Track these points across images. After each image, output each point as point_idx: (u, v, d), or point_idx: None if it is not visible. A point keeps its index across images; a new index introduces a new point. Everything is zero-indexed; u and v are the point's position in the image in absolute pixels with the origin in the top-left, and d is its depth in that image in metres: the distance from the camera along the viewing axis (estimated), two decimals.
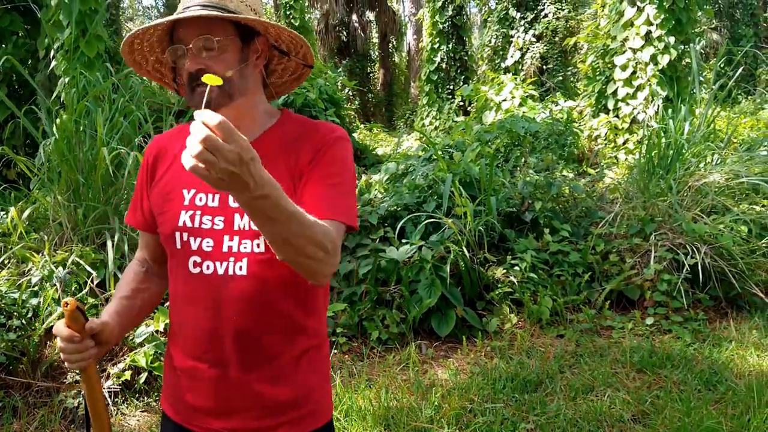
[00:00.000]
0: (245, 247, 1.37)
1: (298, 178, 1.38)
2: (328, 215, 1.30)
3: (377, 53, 28.84)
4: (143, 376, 3.60)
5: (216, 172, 0.98)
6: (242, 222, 1.38)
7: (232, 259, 1.38)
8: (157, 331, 3.81)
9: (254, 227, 1.29)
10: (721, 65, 8.97)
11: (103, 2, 6.69)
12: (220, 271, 1.39)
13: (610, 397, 3.53)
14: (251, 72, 1.42)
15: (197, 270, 1.41)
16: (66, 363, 1.36)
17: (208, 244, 1.40)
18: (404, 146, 11.88)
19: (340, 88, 13.21)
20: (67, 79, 6.57)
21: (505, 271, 4.80)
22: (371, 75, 27.49)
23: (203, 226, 1.41)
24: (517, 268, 4.80)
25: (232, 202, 1.39)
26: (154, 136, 1.64)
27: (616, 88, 9.23)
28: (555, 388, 3.66)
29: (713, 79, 7.33)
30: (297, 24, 16.32)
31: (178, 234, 1.43)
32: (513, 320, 4.57)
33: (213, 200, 1.40)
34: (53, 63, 6.79)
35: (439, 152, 6.29)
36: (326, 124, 1.47)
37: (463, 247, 4.77)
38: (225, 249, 1.39)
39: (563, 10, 15.40)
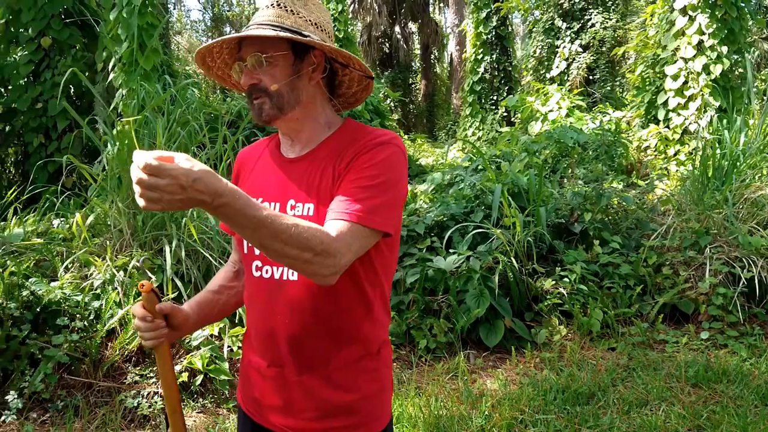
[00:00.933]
0: None
1: (338, 181, 1.41)
2: (337, 215, 1.33)
3: (419, 64, 28.97)
4: (199, 378, 3.69)
5: (165, 204, 1.07)
6: None
7: None
8: (211, 335, 3.91)
9: None
10: None
11: (159, 17, 6.91)
12: (276, 276, 1.46)
13: (665, 411, 3.48)
14: (305, 84, 1.47)
15: (258, 274, 1.50)
16: (141, 341, 1.46)
17: None
18: (448, 156, 11.90)
19: (382, 98, 13.32)
20: (125, 91, 6.80)
21: (554, 282, 4.77)
22: (413, 86, 27.63)
23: None
24: (566, 279, 4.77)
25: (289, 210, 1.44)
26: (241, 149, 1.72)
27: (667, 98, 9.08)
28: (608, 401, 3.62)
29: (766, 90, 7.15)
30: (341, 36, 16.48)
31: (245, 240, 1.50)
32: (562, 332, 4.53)
33: (274, 209, 1.45)
34: (111, 75, 7.04)
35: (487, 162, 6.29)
36: (378, 130, 1.48)
37: (512, 258, 4.76)
38: None
39: (611, 19, 15.22)
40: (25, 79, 8.78)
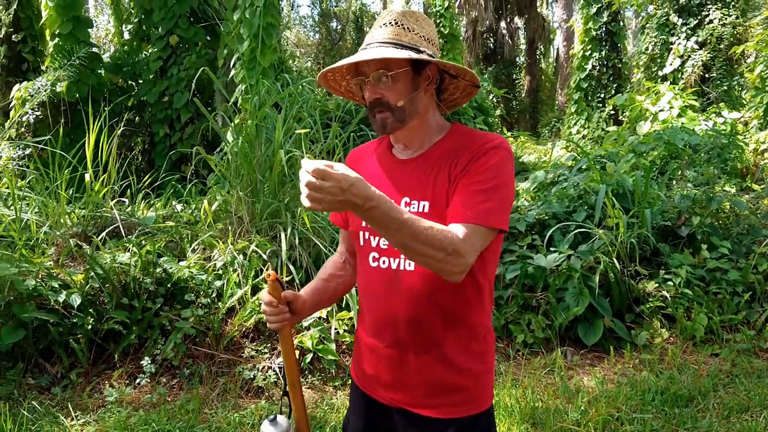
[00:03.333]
0: None
1: (454, 183, 1.53)
2: (460, 218, 1.45)
3: (524, 60, 28.57)
4: (308, 356, 3.98)
5: (326, 204, 1.25)
6: None
7: (403, 256, 1.59)
8: (320, 318, 4.19)
9: None
10: None
11: (280, 18, 7.31)
12: (393, 266, 1.61)
13: (766, 418, 3.43)
14: (422, 97, 1.60)
15: (375, 264, 1.65)
16: (267, 324, 1.68)
17: (384, 242, 1.62)
18: (552, 154, 11.77)
19: (486, 95, 13.34)
20: (243, 87, 7.26)
21: (657, 285, 4.73)
22: (516, 81, 27.28)
23: None
24: (670, 282, 4.72)
25: (404, 207, 1.57)
26: (353, 149, 1.89)
27: None
28: (707, 405, 3.60)
29: None
30: (446, 32, 16.60)
31: (361, 233, 1.68)
32: (664, 335, 4.50)
33: None
34: (232, 72, 7.53)
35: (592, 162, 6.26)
36: (489, 134, 1.60)
37: (614, 259, 4.76)
38: None
39: (730, 15, 14.44)
40: (154, 74, 9.52)
